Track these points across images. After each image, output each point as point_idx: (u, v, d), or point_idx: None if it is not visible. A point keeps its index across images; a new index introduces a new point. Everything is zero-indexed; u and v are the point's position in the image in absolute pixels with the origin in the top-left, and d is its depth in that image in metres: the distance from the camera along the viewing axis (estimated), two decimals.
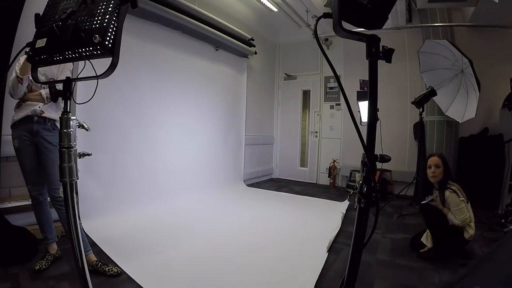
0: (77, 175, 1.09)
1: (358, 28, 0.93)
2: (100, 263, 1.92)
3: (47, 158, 1.87)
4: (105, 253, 2.19)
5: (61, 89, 1.08)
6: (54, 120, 1.91)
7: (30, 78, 1.86)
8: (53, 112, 1.90)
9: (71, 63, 1.09)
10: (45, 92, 1.85)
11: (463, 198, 2.21)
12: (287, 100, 6.30)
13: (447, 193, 2.26)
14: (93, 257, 1.95)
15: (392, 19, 4.40)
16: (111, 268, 1.89)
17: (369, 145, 0.89)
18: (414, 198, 3.98)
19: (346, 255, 2.31)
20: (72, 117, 1.11)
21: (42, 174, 1.90)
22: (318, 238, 2.65)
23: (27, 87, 1.86)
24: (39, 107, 1.85)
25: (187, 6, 3.65)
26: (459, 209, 2.19)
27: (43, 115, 1.85)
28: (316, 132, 5.91)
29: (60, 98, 1.09)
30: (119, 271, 1.89)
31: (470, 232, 2.21)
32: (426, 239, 2.34)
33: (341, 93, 1.32)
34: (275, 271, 2.06)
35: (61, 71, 1.88)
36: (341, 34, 0.84)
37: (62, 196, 1.86)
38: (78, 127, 2.20)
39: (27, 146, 1.87)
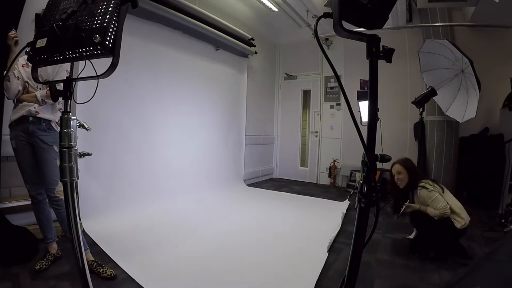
0: (77, 175, 1.09)
1: (358, 28, 0.93)
2: (95, 264, 1.91)
3: (43, 158, 1.87)
4: (105, 253, 2.19)
5: (62, 89, 1.08)
6: (49, 121, 1.91)
7: (26, 79, 1.86)
8: (48, 113, 1.90)
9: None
10: (40, 94, 1.85)
11: (432, 189, 2.26)
12: (287, 100, 6.30)
13: (418, 191, 2.32)
14: (90, 257, 1.95)
15: (392, 19, 4.40)
16: (105, 271, 1.87)
17: (369, 145, 0.89)
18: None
19: (346, 255, 2.31)
20: (72, 117, 1.11)
21: (39, 174, 1.90)
22: (319, 238, 2.65)
23: (23, 88, 1.86)
24: (34, 107, 1.85)
25: (188, 6, 3.65)
26: (433, 200, 2.23)
27: (38, 115, 1.86)
28: (316, 132, 5.91)
29: (60, 99, 1.09)
30: (113, 274, 1.86)
31: (459, 221, 2.20)
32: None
33: (341, 92, 1.32)
34: (275, 271, 2.06)
35: (56, 72, 1.88)
36: (342, 34, 0.84)
37: (59, 196, 1.86)
38: (79, 127, 2.19)
39: (24, 146, 1.87)
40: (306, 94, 6.16)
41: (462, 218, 2.21)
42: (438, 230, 2.23)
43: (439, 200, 2.23)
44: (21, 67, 1.86)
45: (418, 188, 2.32)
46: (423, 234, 2.33)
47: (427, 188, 2.28)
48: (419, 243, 2.39)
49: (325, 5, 4.34)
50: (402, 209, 2.32)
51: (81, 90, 2.28)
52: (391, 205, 2.68)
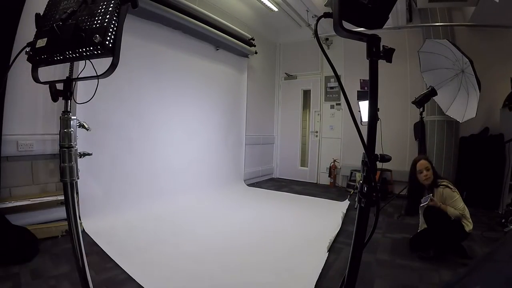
0: (77, 175, 1.09)
1: (358, 27, 0.93)
2: None
3: None
4: (105, 253, 2.19)
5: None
6: None
7: None
8: None
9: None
10: None
11: (454, 189, 2.33)
12: (287, 100, 6.30)
13: (440, 189, 2.35)
14: None
15: (392, 18, 4.39)
16: None
17: (369, 145, 0.89)
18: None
19: (346, 255, 2.31)
20: (72, 117, 1.11)
21: None
22: (319, 237, 2.65)
23: None
24: None
25: (188, 5, 3.65)
26: (455, 200, 2.28)
27: None
28: (317, 132, 5.91)
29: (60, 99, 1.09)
30: None
31: (468, 225, 2.26)
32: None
33: (341, 92, 1.32)
34: (275, 270, 2.06)
35: None
36: (342, 34, 0.84)
37: None
38: (79, 127, 2.19)
39: None
40: (306, 94, 6.15)
41: (470, 223, 2.27)
42: (449, 229, 2.26)
43: (460, 201, 2.28)
44: None
45: (441, 186, 2.35)
46: (433, 230, 2.33)
47: (450, 188, 2.32)
48: (421, 241, 2.39)
49: (325, 5, 4.34)
50: (426, 202, 2.32)
51: (82, 90, 2.28)
52: (406, 205, 2.71)
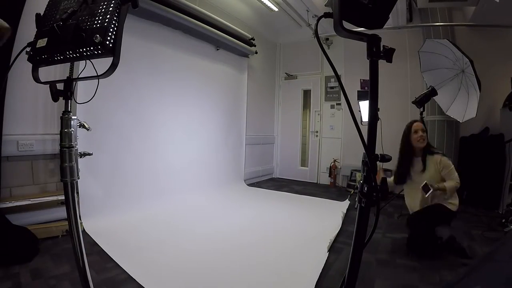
0: (78, 174, 1.09)
1: (358, 27, 0.93)
2: None
3: None
4: (106, 252, 2.19)
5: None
6: None
7: None
8: None
9: None
10: None
11: (449, 159, 2.32)
12: (287, 100, 6.30)
13: (437, 157, 2.32)
14: None
15: (392, 18, 4.39)
16: None
17: (369, 145, 0.89)
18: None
19: (346, 255, 2.31)
20: (73, 117, 1.11)
21: None
22: (319, 237, 2.65)
23: None
24: None
25: (188, 5, 3.65)
26: (451, 170, 2.27)
27: None
28: (317, 132, 5.91)
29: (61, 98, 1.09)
30: None
31: (455, 203, 2.25)
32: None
33: (341, 92, 1.32)
34: (276, 270, 2.06)
35: None
36: (342, 34, 0.84)
37: None
38: (79, 127, 2.20)
39: None
40: (307, 93, 6.15)
41: (456, 202, 2.27)
42: (435, 224, 2.26)
43: (455, 170, 2.26)
44: None
45: (439, 154, 2.33)
46: (420, 235, 2.32)
47: (446, 157, 2.30)
48: (417, 241, 2.38)
49: (325, 5, 4.32)
50: (430, 192, 2.26)
51: (82, 90, 2.28)
52: (395, 173, 2.64)
